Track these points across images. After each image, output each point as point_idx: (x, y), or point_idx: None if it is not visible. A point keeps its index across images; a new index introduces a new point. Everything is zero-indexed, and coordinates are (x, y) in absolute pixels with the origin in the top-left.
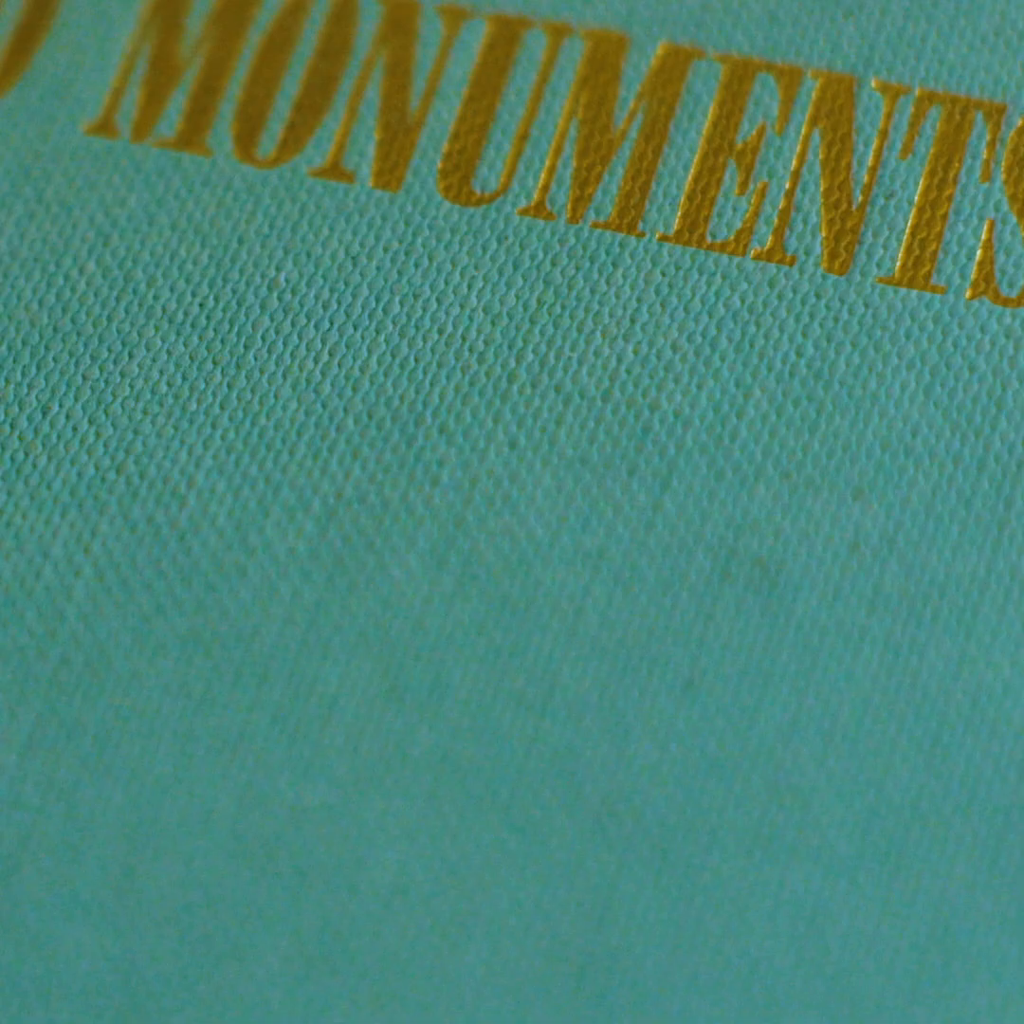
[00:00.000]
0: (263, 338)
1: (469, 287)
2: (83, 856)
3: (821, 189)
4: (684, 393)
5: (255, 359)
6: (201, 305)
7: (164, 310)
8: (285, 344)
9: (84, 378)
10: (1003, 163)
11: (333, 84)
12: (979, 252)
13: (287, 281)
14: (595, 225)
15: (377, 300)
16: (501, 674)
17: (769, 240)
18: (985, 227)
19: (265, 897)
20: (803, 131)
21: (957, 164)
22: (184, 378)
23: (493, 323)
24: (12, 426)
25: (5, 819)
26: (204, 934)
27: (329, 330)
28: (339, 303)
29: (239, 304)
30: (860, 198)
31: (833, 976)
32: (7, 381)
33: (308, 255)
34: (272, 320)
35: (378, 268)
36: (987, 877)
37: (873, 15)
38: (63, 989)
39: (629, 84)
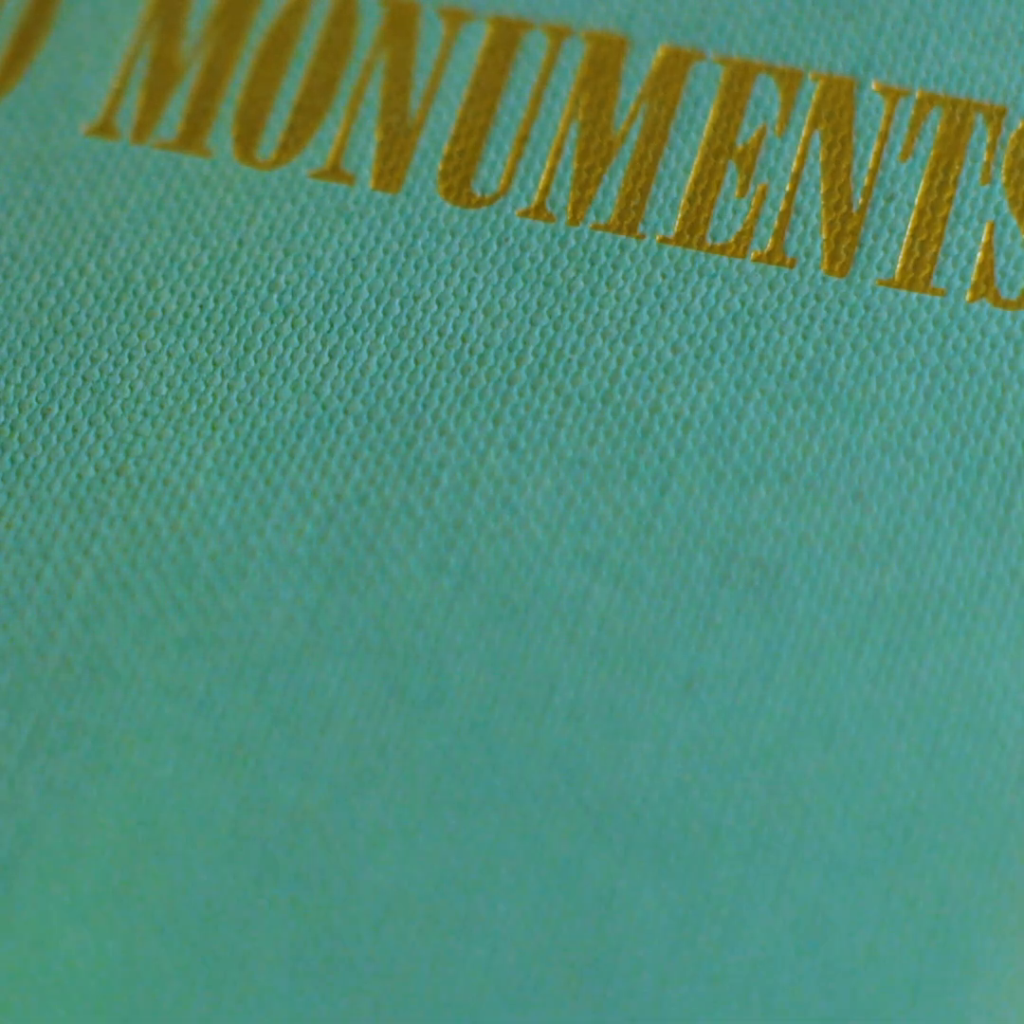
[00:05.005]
0: (263, 340)
1: (469, 289)
2: (83, 858)
3: (821, 191)
4: (684, 395)
5: (255, 361)
6: (201, 306)
7: (164, 311)
8: (285, 346)
9: (84, 380)
10: (1003, 165)
11: (333, 86)
12: (979, 255)
13: (287, 283)
14: (595, 227)
15: (377, 302)
16: (501, 675)
17: (769, 242)
18: (985, 229)
19: (265, 899)
20: (803, 133)
21: (957, 166)
22: (184, 380)
23: (493, 325)
24: (12, 428)
25: (5, 820)
26: (204, 936)
27: (329, 332)
28: (339, 305)
29: (239, 306)
30: (860, 200)
31: (833, 977)
32: (7, 382)
33: (308, 257)
34: (272, 322)
35: (378, 270)
36: (987, 879)
37: (873, 17)
38: (63, 991)
39: (629, 86)
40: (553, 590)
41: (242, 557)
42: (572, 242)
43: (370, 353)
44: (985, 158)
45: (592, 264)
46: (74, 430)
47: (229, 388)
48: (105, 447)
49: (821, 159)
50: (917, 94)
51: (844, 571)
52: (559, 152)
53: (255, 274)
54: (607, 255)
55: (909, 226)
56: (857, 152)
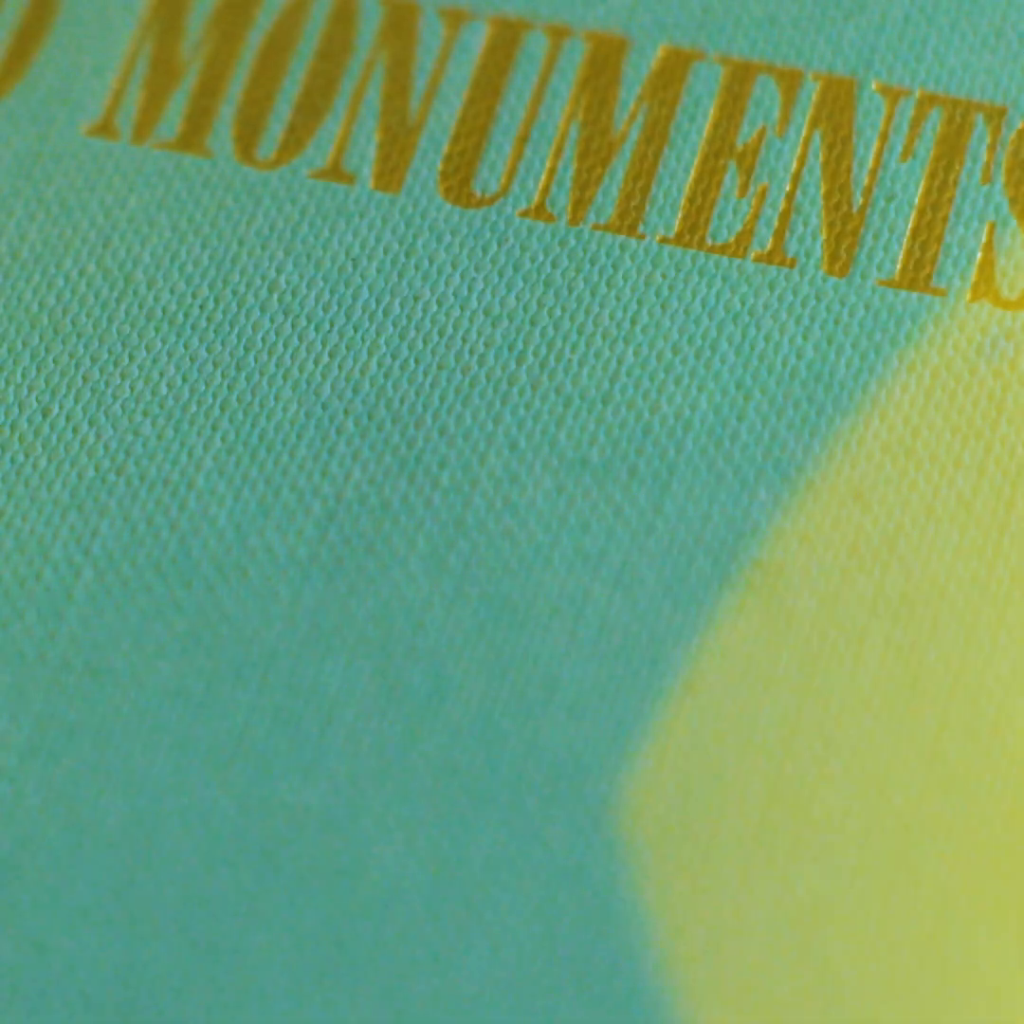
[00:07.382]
0: (263, 340)
1: (469, 289)
2: (83, 858)
3: (821, 191)
4: (684, 395)
5: (255, 361)
6: (201, 307)
7: (164, 311)
8: (285, 346)
9: (84, 379)
10: (1004, 165)
11: (333, 86)
12: (979, 255)
13: (287, 283)
14: (595, 227)
15: (377, 302)
16: (501, 676)
17: (769, 242)
18: (985, 230)
19: (265, 899)
20: (804, 133)
21: (957, 166)
22: (184, 379)
23: (493, 325)
24: (12, 428)
25: (5, 822)
26: (204, 936)
27: (329, 332)
28: (339, 305)
29: (239, 306)
30: (860, 200)
31: (833, 976)
32: (7, 382)
33: (308, 257)
34: (272, 322)
35: (378, 270)
36: (988, 879)
37: (873, 17)
38: (63, 992)
39: (629, 86)
40: (553, 590)
41: (242, 557)
42: (572, 242)
43: (370, 353)
44: (985, 158)
45: (592, 264)
46: (74, 430)
47: (229, 388)
48: (105, 447)
49: (821, 159)
50: (917, 94)
51: (844, 571)
52: (559, 152)
53: (255, 274)
54: (607, 255)
55: (909, 226)
56: (857, 152)
